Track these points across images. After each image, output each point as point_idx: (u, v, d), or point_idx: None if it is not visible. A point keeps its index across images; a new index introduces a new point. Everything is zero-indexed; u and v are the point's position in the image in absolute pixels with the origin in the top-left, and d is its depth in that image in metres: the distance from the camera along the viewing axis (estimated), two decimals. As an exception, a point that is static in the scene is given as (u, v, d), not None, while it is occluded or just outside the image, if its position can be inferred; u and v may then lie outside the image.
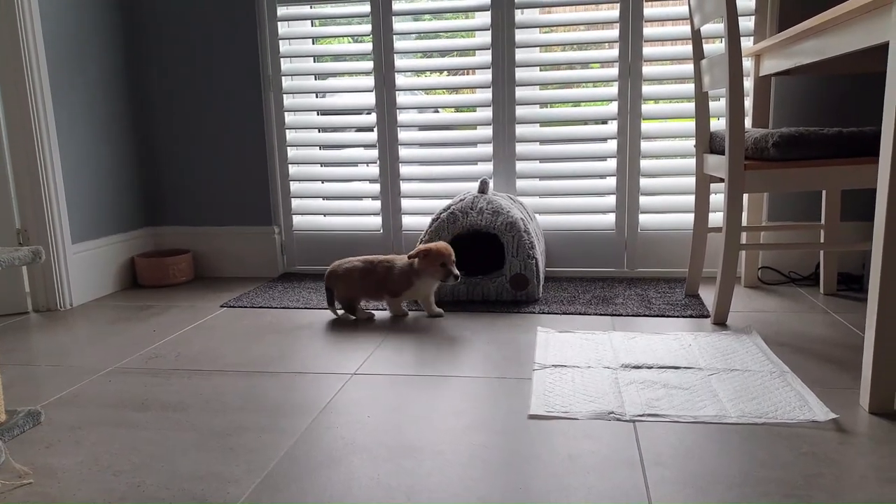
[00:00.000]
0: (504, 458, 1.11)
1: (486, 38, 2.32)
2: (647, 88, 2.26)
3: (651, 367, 1.48)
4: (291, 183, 2.55)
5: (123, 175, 2.49)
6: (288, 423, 1.27)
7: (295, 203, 2.57)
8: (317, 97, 2.58)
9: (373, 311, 2.00)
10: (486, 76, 2.35)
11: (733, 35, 1.64)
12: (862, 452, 1.09)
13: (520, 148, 2.37)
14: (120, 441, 1.22)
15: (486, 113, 2.37)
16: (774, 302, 1.99)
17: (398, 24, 2.37)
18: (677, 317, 1.86)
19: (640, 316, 1.88)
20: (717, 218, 2.13)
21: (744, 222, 2.18)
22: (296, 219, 2.58)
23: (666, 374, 1.44)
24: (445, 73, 2.59)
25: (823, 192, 2.01)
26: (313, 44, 2.58)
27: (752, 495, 0.98)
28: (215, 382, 1.50)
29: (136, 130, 2.55)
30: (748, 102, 2.14)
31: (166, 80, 2.52)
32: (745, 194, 2.17)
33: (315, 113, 2.56)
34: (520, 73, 2.32)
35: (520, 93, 2.33)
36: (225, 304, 2.16)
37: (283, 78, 2.48)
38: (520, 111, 2.35)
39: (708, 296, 2.04)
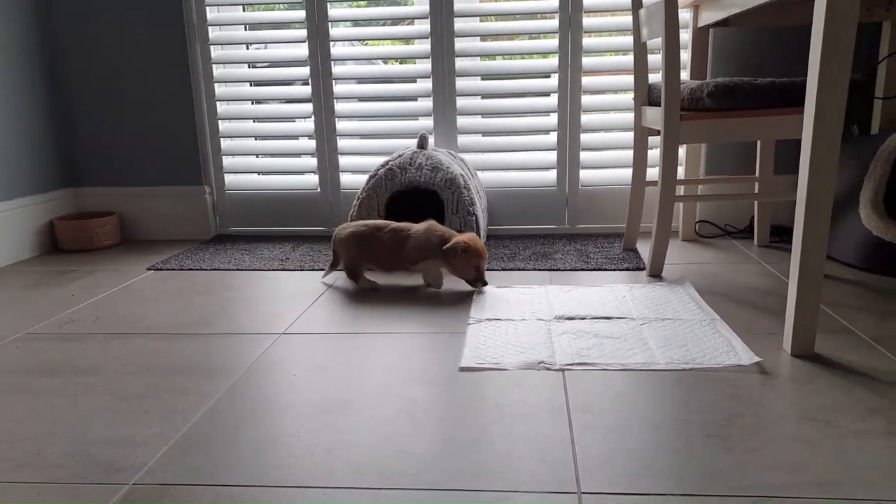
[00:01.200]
0: (431, 411, 1.09)
1: (422, -13, 2.24)
2: (587, 41, 2.22)
3: (584, 318, 1.47)
4: (222, 140, 2.44)
5: (38, 134, 2.34)
6: (209, 385, 1.22)
7: (227, 161, 2.46)
8: (247, 48, 2.46)
9: (377, 282, 1.81)
10: (424, 26, 2.27)
11: (668, -19, 1.61)
12: (783, 393, 1.10)
13: (461, 102, 2.31)
14: (23, 408, 1.15)
15: (426, 65, 2.30)
16: (710, 254, 2.01)
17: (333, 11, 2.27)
18: (614, 270, 1.86)
19: (577, 270, 1.87)
20: (655, 173, 2.13)
21: (681, 176, 2.20)
22: (228, 177, 2.48)
23: (598, 325, 1.43)
24: (383, 23, 2.49)
25: (758, 146, 2.03)
26: (242, -7, 2.44)
27: (675, 437, 0.98)
28: (135, 346, 1.42)
29: (52, 87, 2.39)
30: (686, 55, 2.13)
31: (82, 32, 2.36)
32: (681, 148, 2.19)
33: (246, 65, 2.45)
34: (459, 24, 2.25)
35: (459, 44, 2.26)
36: (152, 266, 2.07)
37: (210, 28, 2.35)
38: (460, 63, 2.29)
39: (646, 250, 2.05)
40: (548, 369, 1.23)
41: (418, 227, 1.75)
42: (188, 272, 2.00)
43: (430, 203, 2.05)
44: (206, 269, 2.02)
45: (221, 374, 1.26)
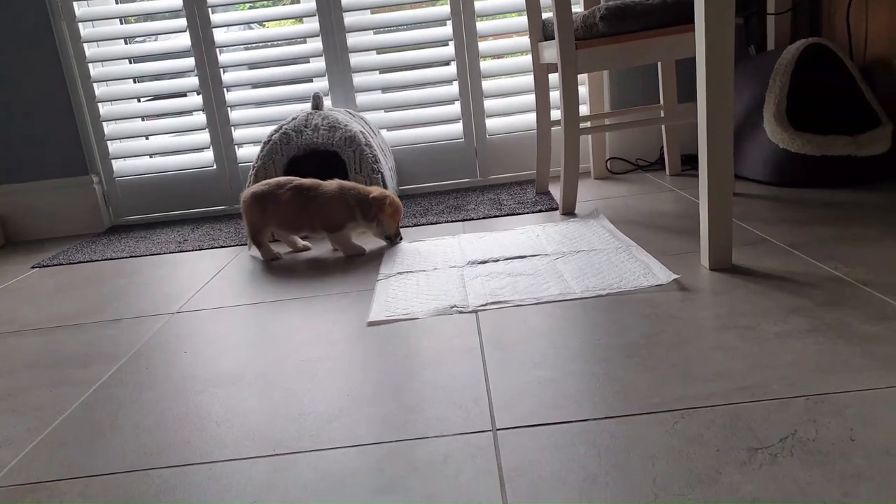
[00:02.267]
0: (335, 369, 0.99)
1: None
2: (479, -17, 2.13)
3: (497, 261, 1.40)
4: (105, 124, 2.24)
5: None
6: (88, 374, 1.08)
7: (113, 146, 2.27)
8: (121, 23, 2.25)
9: (280, 253, 1.65)
10: (307, -18, 2.13)
11: None
12: (703, 305, 1.06)
13: (355, 59, 2.19)
14: None
15: (314, 24, 2.16)
16: (622, 188, 1.98)
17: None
18: (527, 213, 1.80)
19: (490, 217, 1.80)
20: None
21: (585, 113, 2.15)
22: (116, 164, 2.28)
23: (512, 264, 1.36)
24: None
25: (659, 75, 2.00)
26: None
27: (594, 361, 0.92)
28: (7, 344, 1.26)
29: None
30: (581, -11, 2.07)
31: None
32: (583, 85, 2.14)
33: (122, 41, 2.25)
34: (344, -24, 2.12)
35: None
36: (37, 264, 1.88)
37: (75, 3, 2.13)
38: (349, 19, 2.16)
39: (558, 192, 1.99)
40: (461, 312, 1.15)
41: (328, 188, 1.59)
42: (77, 265, 1.82)
43: (331, 165, 1.93)
44: (97, 260, 1.84)
45: (103, 361, 1.13)
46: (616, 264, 1.29)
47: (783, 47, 1.85)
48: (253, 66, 2.24)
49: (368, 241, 1.67)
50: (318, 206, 1.57)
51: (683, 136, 2.15)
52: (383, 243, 1.66)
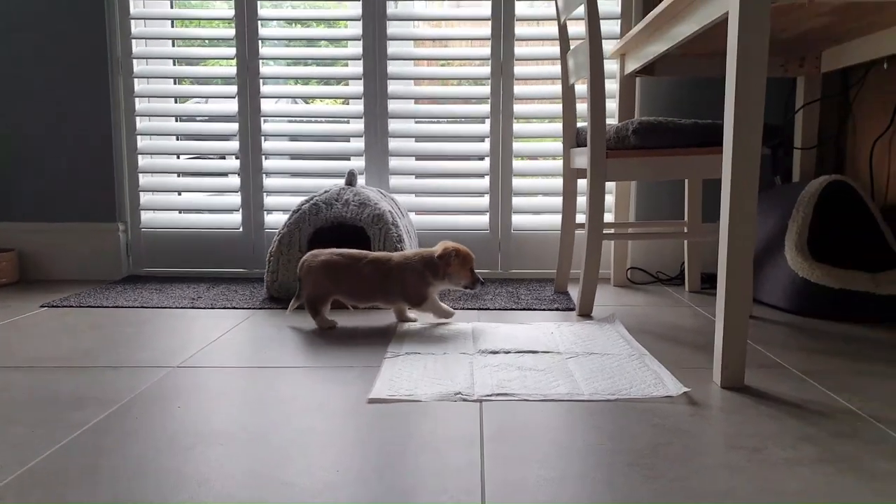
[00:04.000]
0: (329, 442, 0.96)
1: (357, 29, 2.22)
2: (518, 88, 2.23)
3: (509, 352, 1.38)
4: (141, 176, 2.32)
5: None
6: (76, 417, 1.06)
7: (145, 198, 2.33)
8: (175, 83, 2.37)
9: (335, 321, 1.64)
10: (357, 68, 2.24)
11: (593, 21, 1.62)
12: (711, 423, 1.03)
13: (393, 144, 2.27)
14: None
15: (359, 106, 2.26)
16: (641, 298, 1.97)
17: (263, 11, 2.23)
18: (544, 310, 1.79)
19: (506, 310, 1.80)
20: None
21: (610, 220, 2.18)
22: (145, 215, 2.34)
23: (523, 358, 1.34)
24: (314, 63, 2.46)
25: (686, 192, 2.03)
26: (172, 26, 2.37)
27: (594, 466, 0.88)
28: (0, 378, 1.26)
29: (-44, 111, 2.24)
30: (614, 104, 2.15)
31: (-4, 55, 2.24)
32: (610, 194, 2.18)
33: (173, 100, 2.36)
34: (392, 68, 2.23)
35: (393, 87, 2.24)
36: (47, 303, 1.89)
37: (135, 61, 2.27)
38: (393, 106, 2.26)
39: (576, 294, 1.99)
40: (465, 400, 1.12)
41: (399, 259, 1.62)
42: (86, 309, 1.83)
43: (356, 240, 1.96)
44: (108, 307, 1.85)
45: (94, 406, 1.11)
46: (628, 371, 1.26)
47: (808, 180, 1.88)
48: (294, 138, 2.33)
49: (378, 318, 1.66)
50: (393, 278, 1.59)
51: (705, 254, 2.16)
52: (406, 326, 1.64)
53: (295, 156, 2.34)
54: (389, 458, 0.91)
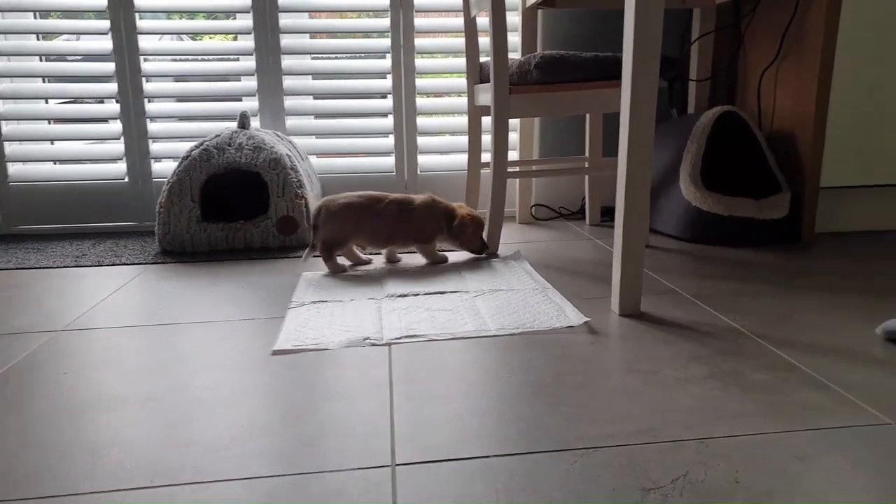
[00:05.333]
0: (232, 397, 0.93)
1: (241, -44, 2.06)
2: (419, 21, 2.16)
3: (417, 295, 1.38)
4: (3, 123, 2.09)
5: None
6: (-52, 390, 0.97)
7: (10, 148, 2.12)
8: (35, 17, 2.13)
9: (346, 265, 1.64)
10: (245, 0, 2.09)
11: (491, -51, 1.57)
12: (610, 349, 1.07)
13: (288, 82, 2.15)
14: None
15: (249, 43, 2.12)
16: (545, 233, 2.01)
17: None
18: (451, 250, 1.78)
19: (415, 252, 1.78)
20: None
21: (515, 159, 2.19)
22: (13, 167, 2.13)
23: (431, 300, 1.34)
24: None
25: (587, 129, 2.06)
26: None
27: (501, 399, 0.90)
28: None
29: None
30: (517, 38, 2.13)
31: None
32: (514, 132, 2.18)
33: (35, 37, 2.13)
34: (284, 0, 2.10)
35: (285, 21, 2.11)
36: None
37: (-13, -8, 2.01)
38: (286, 41, 2.13)
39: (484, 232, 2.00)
40: (374, 345, 1.11)
41: (421, 202, 1.62)
42: (-46, 273, 1.67)
43: (252, 187, 1.87)
44: (-21, 269, 1.69)
45: (-32, 377, 1.02)
46: (532, 305, 1.29)
47: (702, 111, 1.95)
48: (179, 78, 2.17)
49: (273, 273, 1.61)
50: (414, 220, 1.60)
51: (605, 188, 2.22)
52: (310, 275, 1.60)
53: (182, 98, 2.18)
54: (297, 408, 0.89)
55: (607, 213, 2.20)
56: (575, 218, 2.24)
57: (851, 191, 1.86)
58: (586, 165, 2.09)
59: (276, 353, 1.09)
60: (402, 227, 1.60)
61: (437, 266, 1.61)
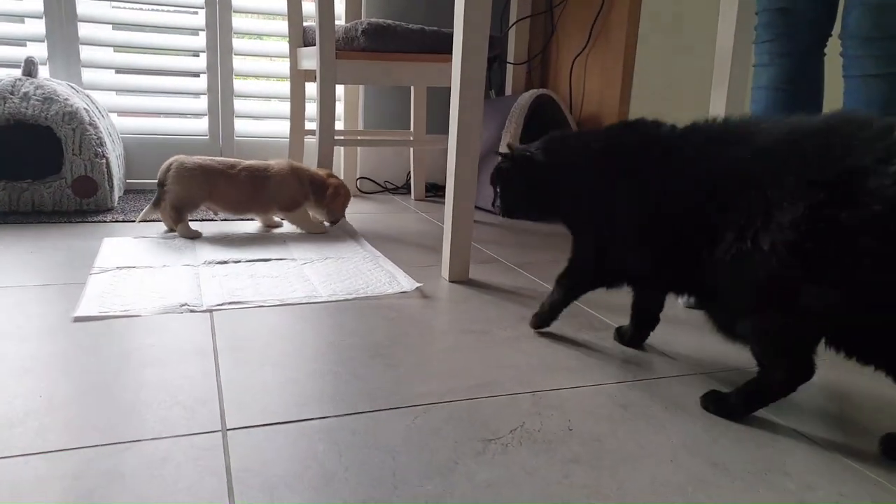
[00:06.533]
0: (26, 367, 0.81)
1: None
2: (239, -23, 2.03)
3: (239, 262, 1.30)
4: None
5: None
6: None
7: None
8: None
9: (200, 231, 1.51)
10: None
11: None
12: (442, 312, 1.10)
13: (84, 30, 1.91)
14: None
15: (33, -21, 1.84)
16: (371, 206, 2.01)
17: None
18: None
19: (229, 220, 1.68)
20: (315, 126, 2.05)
21: (340, 128, 2.16)
22: None
23: (255, 267, 1.28)
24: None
25: (412, 103, 2.08)
26: None
27: (337, 361, 0.88)
28: None
29: None
30: (342, 7, 2.08)
31: None
32: (339, 103, 2.14)
33: None
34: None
35: (79, -42, 1.87)
36: None
37: None
38: (81, -18, 1.89)
39: (309, 202, 1.95)
40: (192, 311, 1.03)
41: (279, 167, 1.53)
42: None
43: (41, 141, 1.64)
44: None
45: None
46: (363, 272, 1.28)
47: (519, 94, 2.06)
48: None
49: (91, 239, 1.43)
50: (271, 186, 1.51)
51: (429, 165, 2.26)
52: (114, 241, 1.44)
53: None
54: (107, 377, 0.80)
55: (431, 189, 2.25)
56: (400, 193, 2.26)
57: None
58: (411, 139, 2.11)
59: (77, 319, 0.97)
60: (258, 195, 1.52)
61: (259, 235, 1.54)
